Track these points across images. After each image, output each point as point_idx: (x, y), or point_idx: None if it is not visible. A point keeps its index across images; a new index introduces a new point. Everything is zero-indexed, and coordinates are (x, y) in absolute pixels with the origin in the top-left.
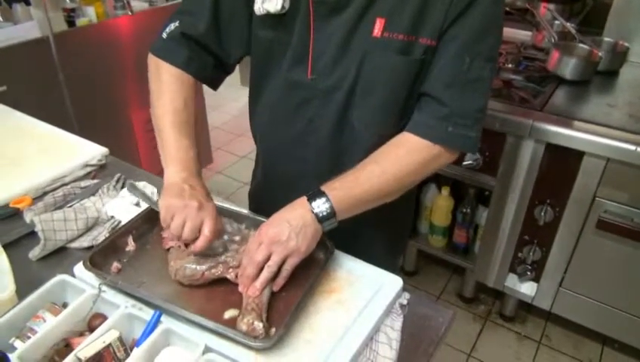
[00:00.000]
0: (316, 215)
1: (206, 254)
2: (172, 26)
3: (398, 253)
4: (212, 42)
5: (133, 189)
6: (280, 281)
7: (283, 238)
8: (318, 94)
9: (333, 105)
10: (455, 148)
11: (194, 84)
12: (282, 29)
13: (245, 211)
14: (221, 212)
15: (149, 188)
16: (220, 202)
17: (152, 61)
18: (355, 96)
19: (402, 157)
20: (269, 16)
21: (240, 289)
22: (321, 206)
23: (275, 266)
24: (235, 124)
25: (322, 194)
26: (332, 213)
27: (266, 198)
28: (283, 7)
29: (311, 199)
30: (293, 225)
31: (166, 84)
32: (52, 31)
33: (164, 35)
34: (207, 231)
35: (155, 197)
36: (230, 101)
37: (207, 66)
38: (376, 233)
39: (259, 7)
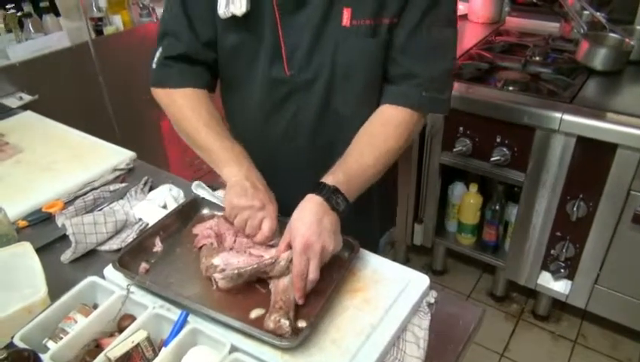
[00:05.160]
0: (336, 211)
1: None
2: (157, 54)
3: (388, 225)
4: (197, 54)
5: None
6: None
7: (327, 245)
8: (299, 88)
9: (315, 95)
10: (430, 112)
11: (207, 94)
12: (247, 31)
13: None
14: None
15: (174, 191)
16: None
17: (161, 92)
18: (335, 83)
19: (393, 133)
20: (233, 20)
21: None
22: (339, 203)
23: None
24: None
25: (336, 190)
26: (347, 206)
27: None
28: (247, 8)
29: (328, 197)
30: (328, 228)
31: (185, 106)
32: (91, 37)
33: (154, 66)
34: (266, 229)
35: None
36: None
37: (203, 75)
38: (370, 208)
39: (224, 12)
